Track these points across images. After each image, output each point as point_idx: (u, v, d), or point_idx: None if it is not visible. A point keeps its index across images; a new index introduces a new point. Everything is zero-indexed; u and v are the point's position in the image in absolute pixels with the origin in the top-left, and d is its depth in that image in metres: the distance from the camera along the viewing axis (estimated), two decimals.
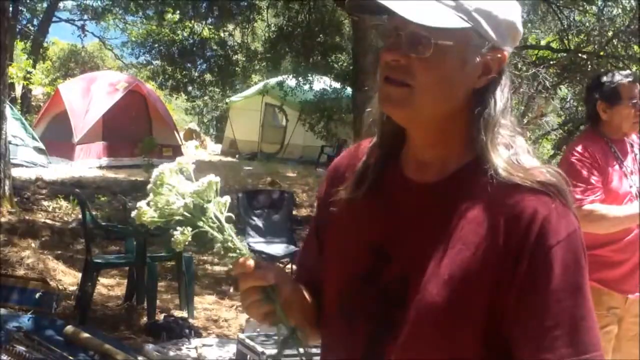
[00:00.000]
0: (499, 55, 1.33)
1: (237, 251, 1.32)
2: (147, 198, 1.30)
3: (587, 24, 10.28)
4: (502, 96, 1.34)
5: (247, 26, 14.59)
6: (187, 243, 1.31)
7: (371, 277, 1.38)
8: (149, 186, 1.30)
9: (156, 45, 19.62)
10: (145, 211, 1.29)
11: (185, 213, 1.29)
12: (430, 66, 1.29)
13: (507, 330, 1.28)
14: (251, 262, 1.31)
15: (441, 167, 1.37)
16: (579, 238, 1.28)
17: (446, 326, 1.29)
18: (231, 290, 7.21)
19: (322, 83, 15.59)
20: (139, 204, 1.30)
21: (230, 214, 1.32)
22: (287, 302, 1.37)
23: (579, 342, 1.25)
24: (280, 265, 6.76)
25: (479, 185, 1.31)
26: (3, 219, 8.63)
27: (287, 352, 1.42)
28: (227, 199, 1.32)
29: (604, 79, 3.47)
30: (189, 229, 1.29)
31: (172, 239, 1.30)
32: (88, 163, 15.20)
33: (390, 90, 1.31)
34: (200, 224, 1.29)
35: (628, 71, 3.62)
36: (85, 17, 24.94)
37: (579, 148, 3.44)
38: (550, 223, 1.26)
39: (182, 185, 1.30)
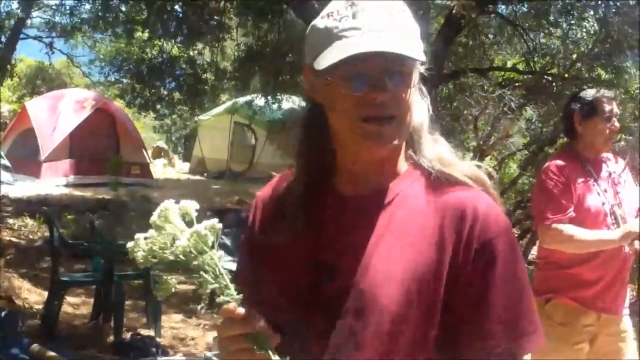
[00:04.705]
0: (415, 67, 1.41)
1: (230, 295, 1.29)
2: (147, 233, 1.26)
3: (552, 46, 10.42)
4: (421, 102, 1.45)
5: (216, 45, 14.55)
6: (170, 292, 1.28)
7: (313, 293, 1.41)
8: (151, 219, 1.27)
9: (125, 63, 19.53)
10: (140, 247, 1.26)
11: (181, 256, 1.25)
12: (408, 94, 1.37)
13: (452, 322, 1.35)
14: (241, 309, 1.29)
15: (381, 180, 1.43)
16: (511, 228, 1.40)
17: (406, 327, 1.34)
18: (198, 308, 7.17)
19: (290, 102, 15.62)
20: (136, 236, 1.26)
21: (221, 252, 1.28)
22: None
23: (517, 326, 1.35)
24: None
25: (417, 190, 1.41)
26: None
27: None
28: (221, 253, 1.28)
29: (583, 93, 3.57)
30: (174, 279, 1.27)
31: (156, 285, 1.28)
32: (54, 181, 15.02)
33: (380, 128, 1.35)
34: (196, 264, 1.26)
35: (607, 90, 3.71)
36: (54, 34, 24.73)
37: (553, 167, 3.48)
38: (488, 218, 1.36)
39: (182, 226, 1.27)
